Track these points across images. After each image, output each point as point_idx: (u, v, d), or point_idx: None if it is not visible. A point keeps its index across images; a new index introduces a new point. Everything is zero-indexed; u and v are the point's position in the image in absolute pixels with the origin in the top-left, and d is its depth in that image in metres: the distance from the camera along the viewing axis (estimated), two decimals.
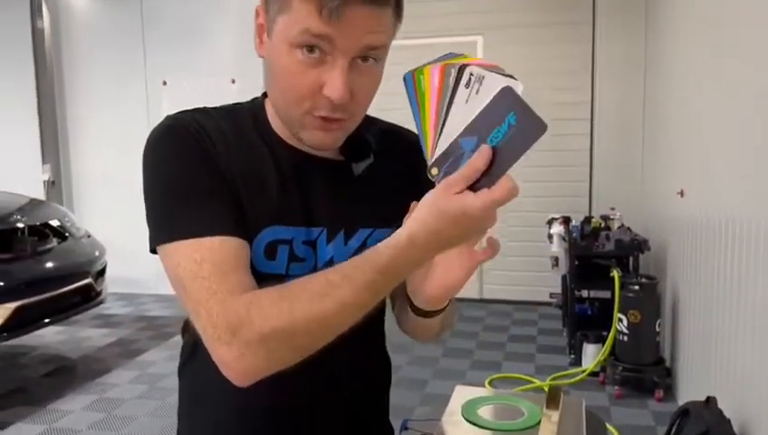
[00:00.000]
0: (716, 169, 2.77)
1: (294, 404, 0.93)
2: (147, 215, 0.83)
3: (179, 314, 5.75)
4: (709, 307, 2.80)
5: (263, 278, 0.81)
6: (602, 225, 4.17)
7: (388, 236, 0.83)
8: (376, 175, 0.94)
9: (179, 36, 5.83)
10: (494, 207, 0.69)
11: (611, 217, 4.25)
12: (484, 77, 0.70)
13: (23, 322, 3.48)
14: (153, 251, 0.83)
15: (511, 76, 0.71)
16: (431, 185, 0.74)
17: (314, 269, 0.86)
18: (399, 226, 0.74)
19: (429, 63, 0.74)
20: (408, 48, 5.37)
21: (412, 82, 0.74)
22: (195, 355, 0.95)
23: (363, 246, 0.89)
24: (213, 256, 0.76)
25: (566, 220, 4.33)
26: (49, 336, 4.66)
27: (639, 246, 3.88)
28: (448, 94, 0.72)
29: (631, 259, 3.97)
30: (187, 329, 0.96)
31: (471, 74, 0.70)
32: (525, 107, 0.68)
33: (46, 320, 3.67)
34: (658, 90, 4.36)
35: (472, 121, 0.70)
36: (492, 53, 5.32)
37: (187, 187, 0.81)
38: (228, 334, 0.72)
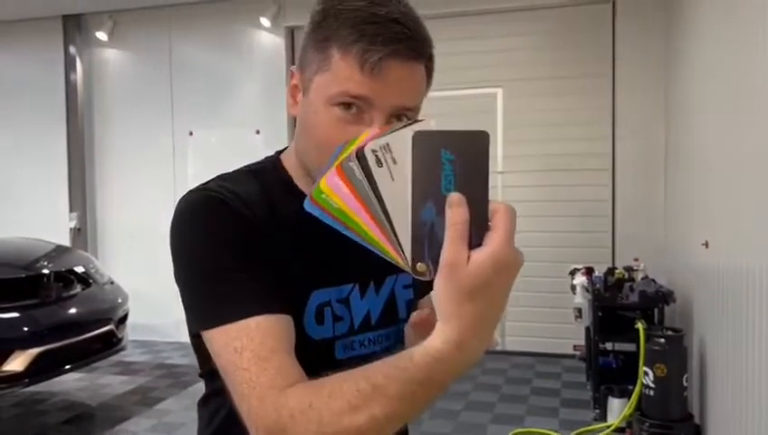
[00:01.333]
0: (742, 219, 2.73)
1: None
2: (182, 298, 0.81)
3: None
4: (740, 362, 2.72)
5: (316, 344, 0.83)
6: (626, 276, 4.11)
7: (407, 281, 0.92)
8: None
9: (206, 87, 6.01)
10: (510, 243, 0.60)
11: (635, 267, 4.19)
12: (387, 143, 0.63)
13: (44, 368, 3.50)
14: (193, 336, 0.82)
15: (415, 121, 0.65)
16: None
17: (351, 327, 0.88)
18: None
19: (319, 179, 0.67)
20: (429, 99, 5.47)
21: (318, 207, 0.66)
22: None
23: (392, 294, 0.92)
24: (252, 342, 0.73)
25: (589, 271, 4.28)
26: (68, 383, 4.66)
27: (664, 297, 3.81)
28: (366, 186, 0.63)
29: (656, 311, 3.89)
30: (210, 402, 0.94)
31: (373, 151, 0.63)
32: (450, 134, 0.59)
33: (67, 366, 3.68)
34: (680, 140, 4.35)
35: (413, 190, 0.59)
36: (511, 104, 5.39)
37: (220, 267, 0.78)
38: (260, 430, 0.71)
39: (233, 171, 0.90)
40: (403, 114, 0.81)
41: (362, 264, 0.84)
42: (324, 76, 0.80)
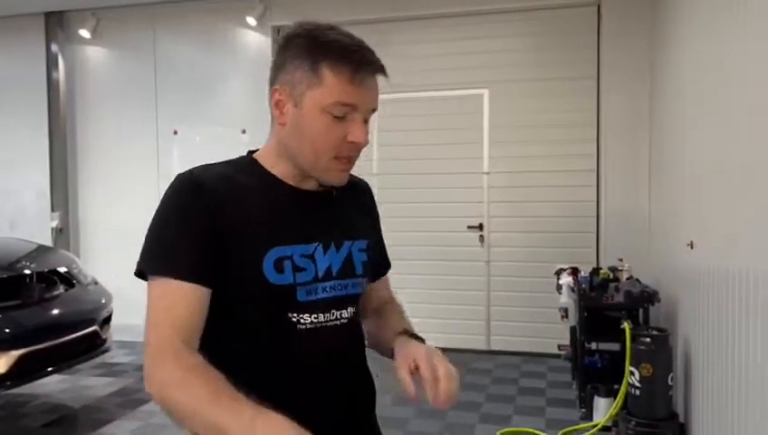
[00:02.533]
0: (728, 220, 2.76)
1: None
2: (144, 243, 1.08)
3: None
4: (724, 362, 2.75)
5: (277, 289, 1.08)
6: (611, 276, 4.14)
7: (362, 246, 1.22)
8: (344, 204, 1.23)
9: (191, 86, 5.96)
10: None
11: (619, 268, 4.23)
12: None
13: (27, 370, 3.45)
14: (137, 274, 1.08)
15: None
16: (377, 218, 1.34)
17: (316, 276, 1.13)
18: (368, 238, 1.24)
19: None
20: (416, 100, 5.49)
21: None
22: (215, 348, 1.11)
23: (350, 254, 1.19)
24: (169, 295, 1.02)
25: (575, 271, 4.31)
26: (50, 385, 4.60)
27: (650, 297, 3.85)
28: None
29: (641, 311, 3.93)
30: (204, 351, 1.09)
31: None
32: None
33: (51, 368, 3.63)
34: (665, 142, 4.40)
35: None
36: (497, 106, 5.41)
37: (173, 235, 1.06)
38: (147, 361, 0.99)
39: (218, 162, 1.16)
40: (372, 112, 1.11)
41: (324, 229, 1.16)
42: (317, 91, 1.06)
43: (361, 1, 5.50)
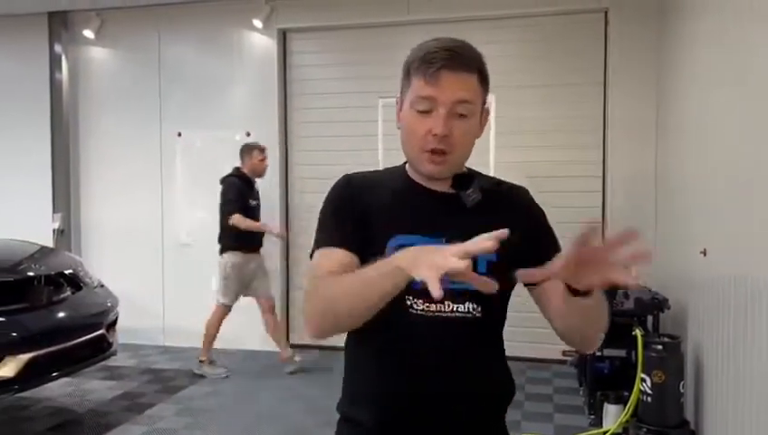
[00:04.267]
0: (738, 227, 2.77)
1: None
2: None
3: (186, 366, 5.50)
4: (736, 369, 2.76)
5: None
6: None
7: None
8: (483, 209, 1.31)
9: (196, 88, 5.93)
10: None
11: None
12: None
13: (35, 374, 3.42)
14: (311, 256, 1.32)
15: None
16: (534, 228, 1.37)
17: None
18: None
19: None
20: None
21: None
22: (350, 336, 1.35)
23: None
24: (324, 256, 1.27)
25: None
26: (54, 388, 4.55)
27: (660, 305, 3.85)
28: None
29: (651, 318, 3.93)
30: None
31: None
32: None
33: (58, 372, 3.59)
34: (671, 147, 4.41)
35: None
36: (504, 111, 5.40)
37: (327, 220, 1.33)
38: (308, 289, 1.27)
39: (378, 169, 1.46)
40: (460, 104, 1.21)
41: (453, 225, 1.24)
42: (408, 92, 1.26)
43: (368, 5, 5.49)
